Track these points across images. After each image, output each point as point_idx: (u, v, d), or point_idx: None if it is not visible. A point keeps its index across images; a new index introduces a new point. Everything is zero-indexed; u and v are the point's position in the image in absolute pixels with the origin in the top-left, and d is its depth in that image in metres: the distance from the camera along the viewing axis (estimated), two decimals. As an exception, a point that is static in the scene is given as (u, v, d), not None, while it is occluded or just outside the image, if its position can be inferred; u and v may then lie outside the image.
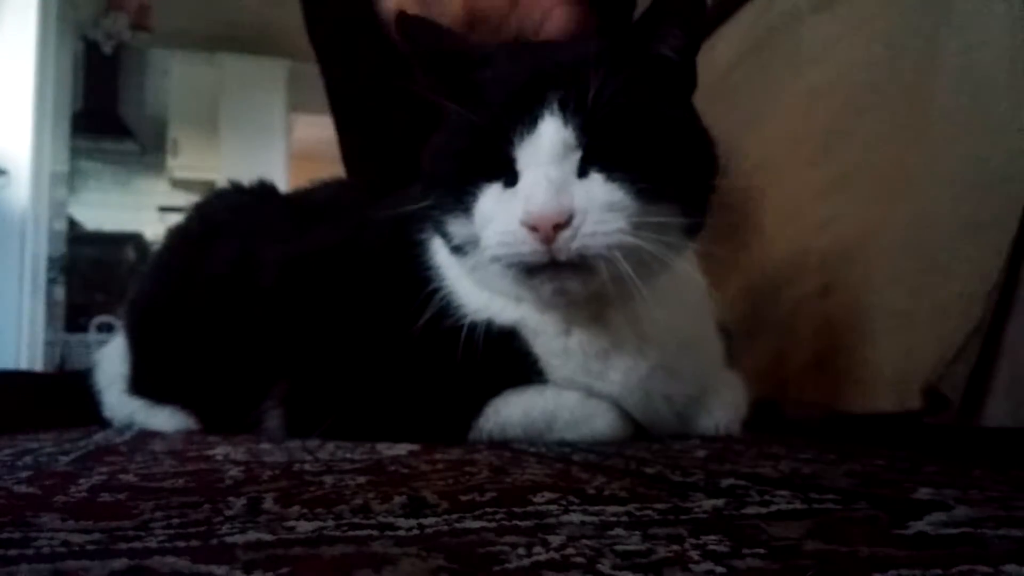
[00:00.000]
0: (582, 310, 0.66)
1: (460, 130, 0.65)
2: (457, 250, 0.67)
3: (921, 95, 0.74)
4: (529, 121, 0.60)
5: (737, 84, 1.04)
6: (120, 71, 5.51)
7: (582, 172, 0.61)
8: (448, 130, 0.67)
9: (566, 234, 0.58)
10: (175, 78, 5.57)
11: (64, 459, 0.59)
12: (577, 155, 0.60)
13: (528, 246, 0.59)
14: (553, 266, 0.60)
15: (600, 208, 0.59)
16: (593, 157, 0.60)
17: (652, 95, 0.63)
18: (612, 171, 0.60)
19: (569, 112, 0.60)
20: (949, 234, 0.69)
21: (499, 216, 0.61)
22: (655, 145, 0.62)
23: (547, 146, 0.60)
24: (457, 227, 0.65)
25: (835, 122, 0.85)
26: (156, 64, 5.63)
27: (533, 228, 0.58)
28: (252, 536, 0.32)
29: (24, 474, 0.50)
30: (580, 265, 0.60)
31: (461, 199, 0.64)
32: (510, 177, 0.62)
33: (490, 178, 0.63)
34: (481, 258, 0.64)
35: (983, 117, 0.68)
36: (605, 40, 0.66)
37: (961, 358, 0.65)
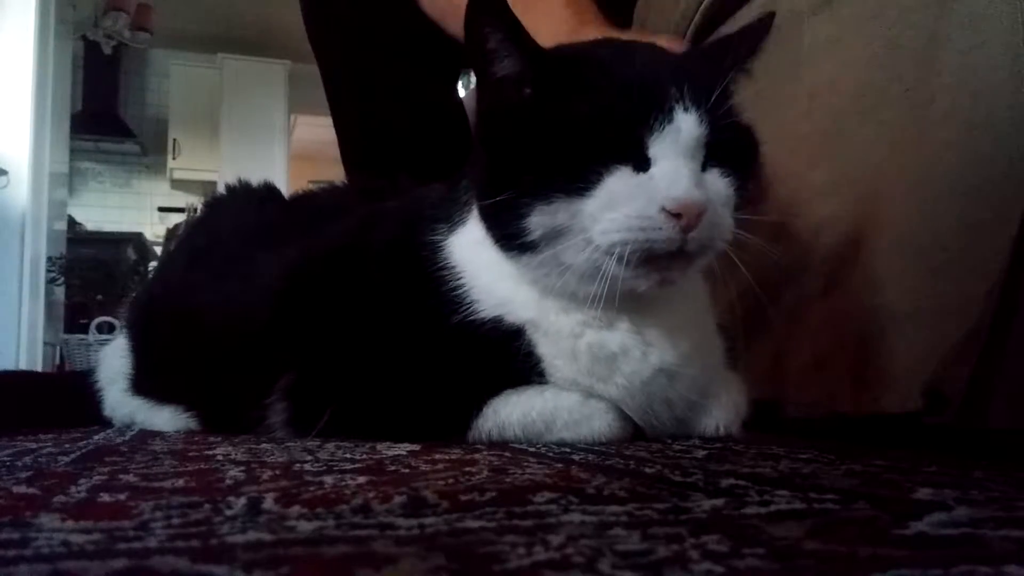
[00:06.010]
0: (601, 313, 0.66)
1: (576, 117, 0.63)
2: (525, 247, 0.65)
3: (921, 95, 0.74)
4: (664, 112, 0.61)
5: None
6: (120, 71, 5.52)
7: (703, 167, 0.64)
8: (549, 119, 0.64)
9: (704, 224, 0.60)
10: (175, 79, 5.58)
11: (64, 459, 0.59)
12: (702, 150, 0.63)
13: (664, 232, 0.60)
14: (673, 255, 0.62)
15: (721, 203, 0.63)
16: (712, 154, 0.64)
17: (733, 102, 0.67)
18: (724, 169, 0.64)
19: (699, 108, 0.62)
20: (949, 234, 0.69)
21: (633, 200, 0.61)
22: (744, 147, 0.66)
23: (686, 138, 0.62)
24: (546, 217, 0.63)
25: (835, 122, 0.85)
26: (156, 64, 5.64)
27: (677, 215, 0.60)
28: (252, 536, 0.32)
29: (24, 474, 0.50)
30: (693, 255, 0.63)
31: (578, 180, 0.62)
32: (640, 163, 0.62)
33: (619, 161, 0.62)
34: (568, 247, 0.63)
35: (983, 117, 0.68)
36: (697, 48, 0.71)
37: (962, 358, 0.65)
